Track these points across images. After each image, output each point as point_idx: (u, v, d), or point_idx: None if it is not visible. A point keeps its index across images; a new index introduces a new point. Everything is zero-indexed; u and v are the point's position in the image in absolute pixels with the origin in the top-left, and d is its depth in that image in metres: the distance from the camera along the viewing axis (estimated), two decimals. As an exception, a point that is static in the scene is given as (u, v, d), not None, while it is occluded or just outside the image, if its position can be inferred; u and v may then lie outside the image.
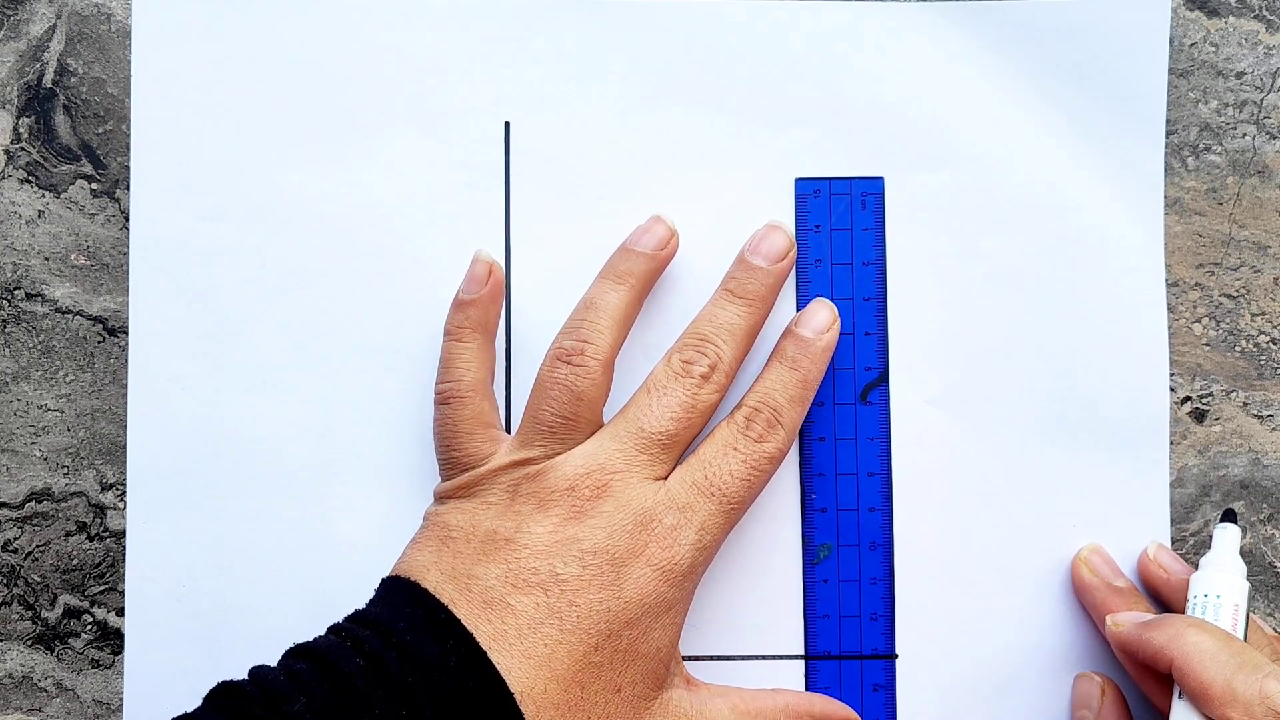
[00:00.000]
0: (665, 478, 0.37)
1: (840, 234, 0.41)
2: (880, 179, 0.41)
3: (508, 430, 0.41)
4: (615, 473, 0.37)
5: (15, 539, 0.42)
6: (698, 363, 0.38)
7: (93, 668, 0.42)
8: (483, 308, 0.39)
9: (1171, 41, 0.42)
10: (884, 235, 0.41)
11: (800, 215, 0.41)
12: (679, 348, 0.39)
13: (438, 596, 0.35)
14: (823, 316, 0.40)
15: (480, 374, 0.39)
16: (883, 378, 0.41)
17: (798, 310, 0.41)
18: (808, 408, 0.39)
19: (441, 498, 0.38)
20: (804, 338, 0.39)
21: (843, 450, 0.41)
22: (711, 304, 0.39)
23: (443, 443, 0.39)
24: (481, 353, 0.39)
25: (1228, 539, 0.38)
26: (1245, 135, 0.42)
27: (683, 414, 0.37)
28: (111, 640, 0.42)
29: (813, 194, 0.41)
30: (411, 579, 0.36)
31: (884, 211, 0.41)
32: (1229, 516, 0.39)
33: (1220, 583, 0.37)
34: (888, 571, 0.41)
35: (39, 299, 0.42)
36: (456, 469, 0.38)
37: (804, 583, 0.41)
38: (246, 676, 0.33)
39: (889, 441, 0.41)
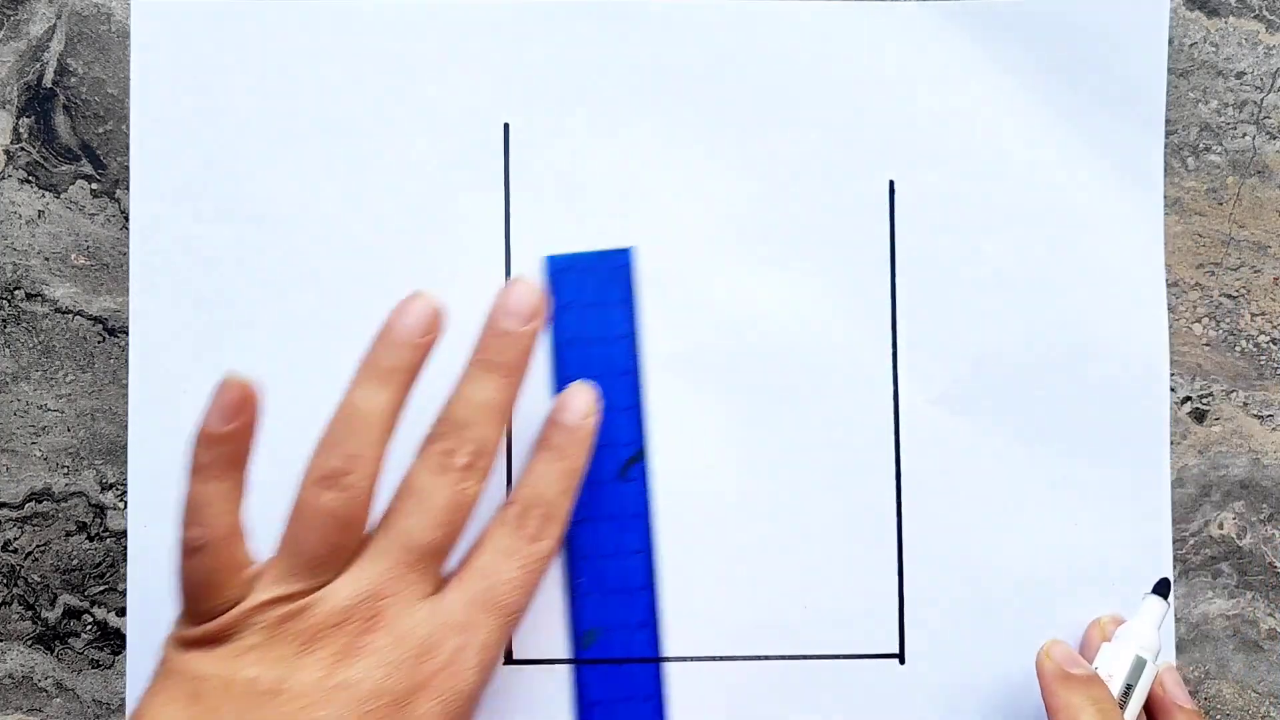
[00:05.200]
0: (437, 589, 0.35)
1: (591, 310, 0.41)
2: (628, 250, 0.41)
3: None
4: (385, 598, 0.34)
5: (15, 539, 0.42)
6: (459, 452, 0.35)
7: (93, 668, 0.42)
8: (238, 442, 0.34)
9: (1171, 41, 0.42)
10: (633, 309, 0.41)
11: (555, 292, 0.41)
12: (436, 436, 0.35)
13: None
14: (583, 400, 0.38)
15: (233, 517, 0.34)
16: (641, 454, 0.41)
17: (553, 395, 0.40)
18: (576, 496, 0.37)
19: (185, 644, 0.34)
20: (568, 424, 0.37)
21: (602, 530, 0.40)
22: (465, 382, 0.36)
23: (191, 595, 0.34)
24: (236, 491, 0.34)
25: (1150, 611, 0.38)
26: (1245, 135, 0.42)
27: (449, 515, 0.35)
28: (111, 640, 0.42)
29: (563, 270, 0.41)
30: None
31: (631, 285, 0.41)
32: (1160, 589, 0.39)
33: (1119, 658, 0.37)
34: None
35: (39, 299, 0.42)
36: (205, 618, 0.34)
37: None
38: None
39: (650, 519, 0.41)
